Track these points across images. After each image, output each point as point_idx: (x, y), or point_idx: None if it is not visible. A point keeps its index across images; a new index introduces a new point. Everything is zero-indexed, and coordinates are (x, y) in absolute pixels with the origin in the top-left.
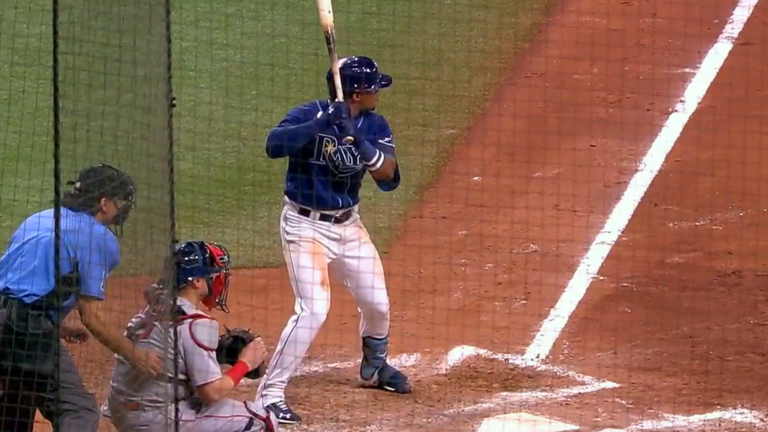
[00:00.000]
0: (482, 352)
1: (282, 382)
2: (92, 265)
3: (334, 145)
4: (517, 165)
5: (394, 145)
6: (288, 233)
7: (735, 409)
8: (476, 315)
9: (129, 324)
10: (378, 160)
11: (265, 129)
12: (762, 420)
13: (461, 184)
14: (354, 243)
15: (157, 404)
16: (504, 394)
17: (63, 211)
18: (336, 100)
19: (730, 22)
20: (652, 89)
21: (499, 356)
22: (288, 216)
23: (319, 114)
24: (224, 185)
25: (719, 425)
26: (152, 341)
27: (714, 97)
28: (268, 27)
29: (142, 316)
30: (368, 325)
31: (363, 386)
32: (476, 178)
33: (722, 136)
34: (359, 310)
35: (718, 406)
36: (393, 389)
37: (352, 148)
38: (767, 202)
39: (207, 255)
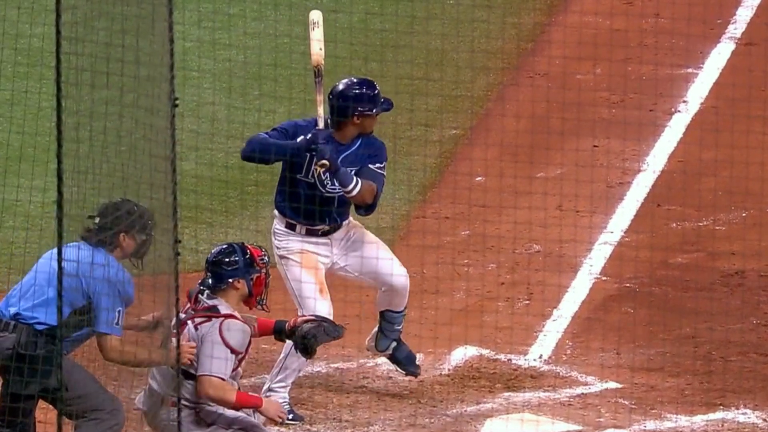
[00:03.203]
0: (485, 352)
1: (285, 386)
2: (109, 308)
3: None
4: (519, 165)
5: (384, 173)
6: (278, 248)
7: (738, 409)
8: (479, 315)
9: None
10: (354, 187)
11: (268, 129)
12: (765, 420)
13: (464, 184)
14: (349, 237)
15: (191, 404)
16: (507, 394)
17: (82, 245)
18: (318, 127)
19: (733, 23)
20: (655, 89)
21: (502, 356)
22: (276, 230)
23: (299, 138)
24: (227, 185)
25: (722, 426)
26: (182, 339)
27: (717, 97)
28: (271, 27)
29: (183, 315)
30: (386, 299)
31: (366, 386)
32: (479, 178)
33: (725, 136)
34: (381, 289)
35: (721, 407)
36: (403, 371)
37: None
38: None
39: (247, 256)
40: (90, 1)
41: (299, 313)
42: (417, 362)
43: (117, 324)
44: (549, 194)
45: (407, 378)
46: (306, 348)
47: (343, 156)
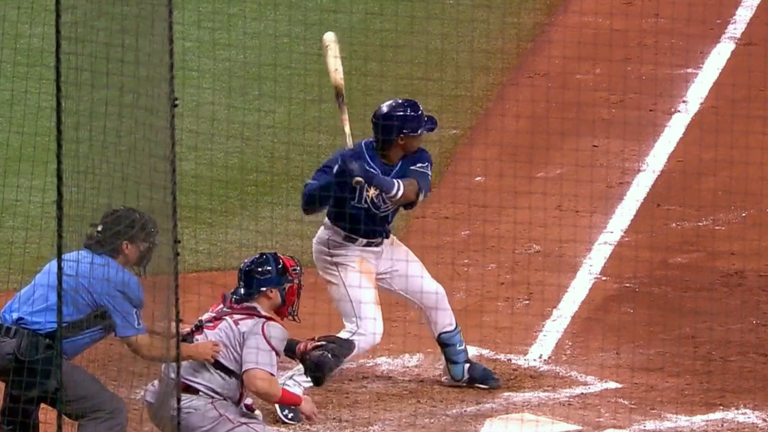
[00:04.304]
0: (485, 352)
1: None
2: (123, 312)
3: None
4: (519, 165)
5: (427, 171)
6: (334, 255)
7: (737, 409)
8: (479, 315)
9: (200, 317)
10: (397, 190)
11: (267, 129)
12: (764, 420)
13: (464, 184)
14: (391, 252)
15: (213, 394)
16: (507, 394)
17: (85, 253)
18: (347, 146)
19: (732, 23)
20: (655, 89)
21: (502, 356)
22: (331, 240)
23: (335, 168)
24: (227, 186)
25: (722, 426)
26: (219, 332)
27: (717, 97)
28: (270, 27)
29: (213, 314)
30: (433, 324)
31: (366, 386)
32: (479, 178)
33: (725, 136)
34: (423, 315)
35: (721, 407)
36: (486, 387)
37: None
38: None
39: (280, 266)
40: (90, 1)
41: (352, 319)
42: (496, 377)
43: (138, 324)
44: (549, 194)
45: (407, 378)
46: (316, 379)
47: (391, 174)
